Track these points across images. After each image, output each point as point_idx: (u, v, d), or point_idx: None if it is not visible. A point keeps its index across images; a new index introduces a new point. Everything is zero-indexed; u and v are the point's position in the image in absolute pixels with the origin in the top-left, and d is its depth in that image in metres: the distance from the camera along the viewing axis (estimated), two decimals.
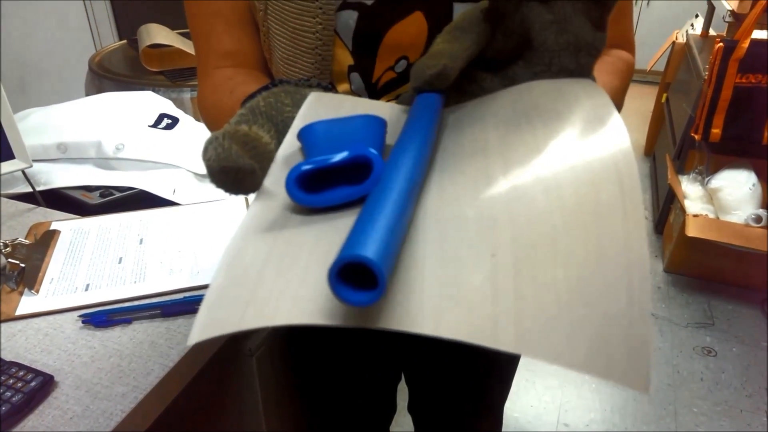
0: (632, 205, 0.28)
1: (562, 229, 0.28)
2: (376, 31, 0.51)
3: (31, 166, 0.85)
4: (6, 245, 0.72)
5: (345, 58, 0.53)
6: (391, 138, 0.40)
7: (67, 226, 0.81)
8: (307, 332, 0.74)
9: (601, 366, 0.23)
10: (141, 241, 0.78)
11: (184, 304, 0.65)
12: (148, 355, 0.59)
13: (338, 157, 0.33)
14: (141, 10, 2.66)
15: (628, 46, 0.61)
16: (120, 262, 0.73)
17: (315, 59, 0.52)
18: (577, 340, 0.24)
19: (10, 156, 0.82)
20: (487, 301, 0.26)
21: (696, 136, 1.87)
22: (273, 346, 0.75)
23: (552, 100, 0.38)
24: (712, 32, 2.38)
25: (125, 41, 1.92)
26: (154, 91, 1.39)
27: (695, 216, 1.84)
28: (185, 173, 1.02)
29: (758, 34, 1.84)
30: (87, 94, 1.62)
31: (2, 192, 0.93)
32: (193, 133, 1.11)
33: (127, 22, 2.74)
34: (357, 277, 0.25)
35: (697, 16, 2.59)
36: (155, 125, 1.10)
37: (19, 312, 0.64)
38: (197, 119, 1.18)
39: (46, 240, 0.77)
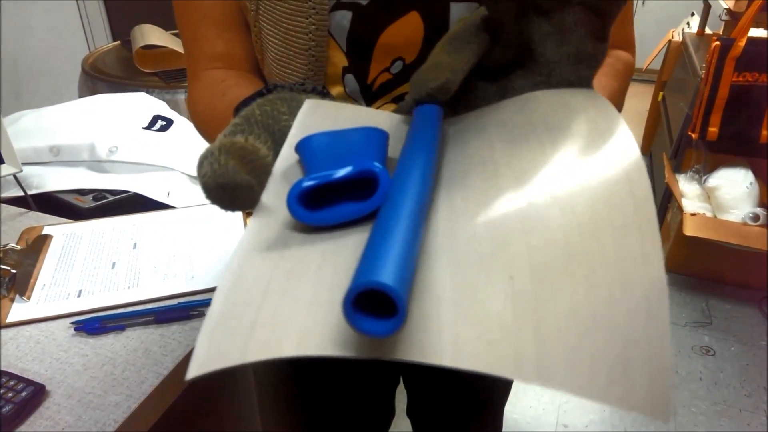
0: (647, 219, 0.27)
1: (580, 248, 0.27)
2: (371, 32, 0.50)
3: (21, 171, 0.84)
4: None
5: (339, 59, 0.52)
6: (391, 151, 0.38)
7: (60, 231, 0.80)
8: None
9: (620, 395, 0.22)
10: (135, 245, 0.76)
11: (178, 311, 0.64)
12: (142, 362, 0.58)
13: (342, 172, 0.31)
14: (135, 10, 2.64)
15: (629, 46, 0.60)
16: (113, 268, 0.72)
17: (308, 60, 0.51)
18: (599, 369, 0.23)
19: None
20: (507, 331, 0.24)
21: (693, 135, 1.86)
22: None
23: (558, 111, 0.37)
24: (708, 30, 2.37)
25: (119, 42, 1.90)
26: (148, 92, 1.38)
27: (692, 215, 1.84)
28: (180, 176, 1.01)
29: (755, 32, 1.84)
30: (80, 96, 1.61)
31: None
32: (188, 135, 1.10)
33: (120, 23, 2.72)
34: (371, 303, 0.23)
35: (693, 14, 2.59)
36: (149, 127, 1.09)
37: (9, 319, 0.63)
38: (191, 121, 1.17)
39: (37, 245, 0.76)
